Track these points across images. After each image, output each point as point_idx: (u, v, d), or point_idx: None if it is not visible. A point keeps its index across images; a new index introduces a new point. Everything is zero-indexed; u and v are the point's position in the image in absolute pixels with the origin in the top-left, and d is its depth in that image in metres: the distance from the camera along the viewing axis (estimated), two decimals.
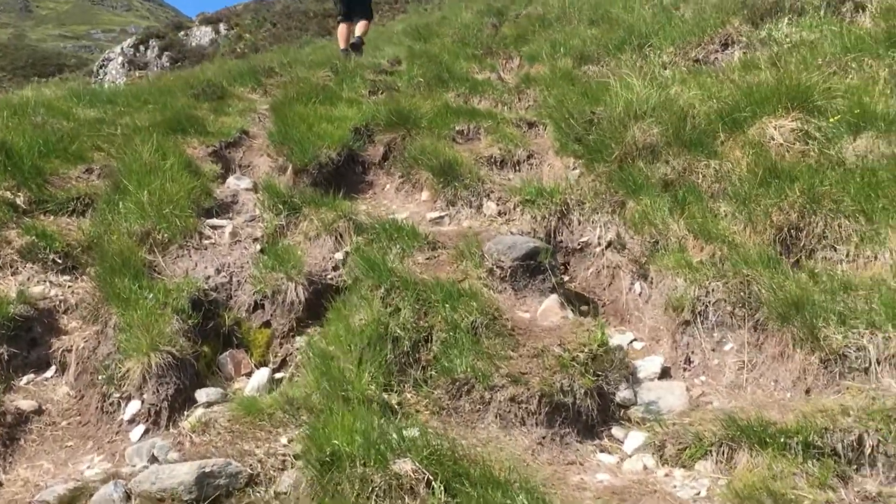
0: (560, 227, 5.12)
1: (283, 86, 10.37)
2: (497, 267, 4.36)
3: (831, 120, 4.63)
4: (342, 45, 12.23)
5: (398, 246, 4.83)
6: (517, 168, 6.23)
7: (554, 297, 4.19)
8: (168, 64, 35.87)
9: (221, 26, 38.29)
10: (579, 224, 5.10)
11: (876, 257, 3.78)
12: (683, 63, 7.01)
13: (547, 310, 4.10)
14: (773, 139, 4.76)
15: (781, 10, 6.67)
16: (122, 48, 38.49)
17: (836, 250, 3.98)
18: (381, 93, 9.03)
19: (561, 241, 5.10)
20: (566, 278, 4.92)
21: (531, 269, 4.37)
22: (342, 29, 12.26)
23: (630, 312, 4.45)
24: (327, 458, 2.96)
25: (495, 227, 5.21)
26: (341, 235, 5.20)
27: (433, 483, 2.79)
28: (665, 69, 7.02)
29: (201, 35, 38.14)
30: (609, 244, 4.85)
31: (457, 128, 6.82)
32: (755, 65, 6.29)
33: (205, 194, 5.85)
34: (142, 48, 37.87)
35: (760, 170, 4.41)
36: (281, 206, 5.55)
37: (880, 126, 4.36)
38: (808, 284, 3.63)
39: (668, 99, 5.38)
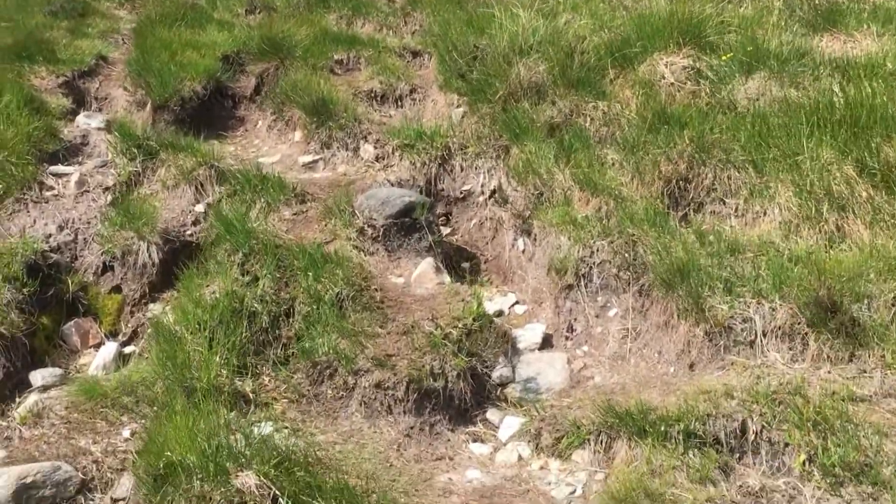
0: (441, 174, 4.75)
1: (152, 1, 9.52)
2: (369, 226, 3.97)
3: (723, 58, 4.35)
4: None
5: (263, 199, 4.38)
6: (399, 104, 5.78)
7: (429, 260, 3.85)
8: None
9: None
10: (462, 171, 4.74)
11: (765, 213, 3.56)
12: None
13: (422, 275, 3.76)
14: (664, 78, 4.46)
15: None
16: None
17: (724, 203, 3.75)
18: (259, 11, 8.33)
19: (442, 190, 4.74)
20: (447, 231, 4.59)
21: (406, 226, 4.00)
22: None
23: (513, 271, 4.16)
24: (161, 472, 2.60)
25: (372, 175, 4.80)
26: (202, 185, 4.71)
27: (280, 500, 2.47)
28: None
29: None
30: (492, 193, 4.52)
31: (336, 57, 6.28)
32: None
33: (49, 136, 5.21)
34: None
35: (650, 114, 4.12)
36: (135, 150, 4.98)
37: (773, 66, 4.10)
38: (695, 247, 3.40)
39: (556, 31, 5.00)
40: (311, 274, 3.57)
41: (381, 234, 3.96)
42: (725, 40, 4.52)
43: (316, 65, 6.06)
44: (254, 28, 7.11)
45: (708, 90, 4.31)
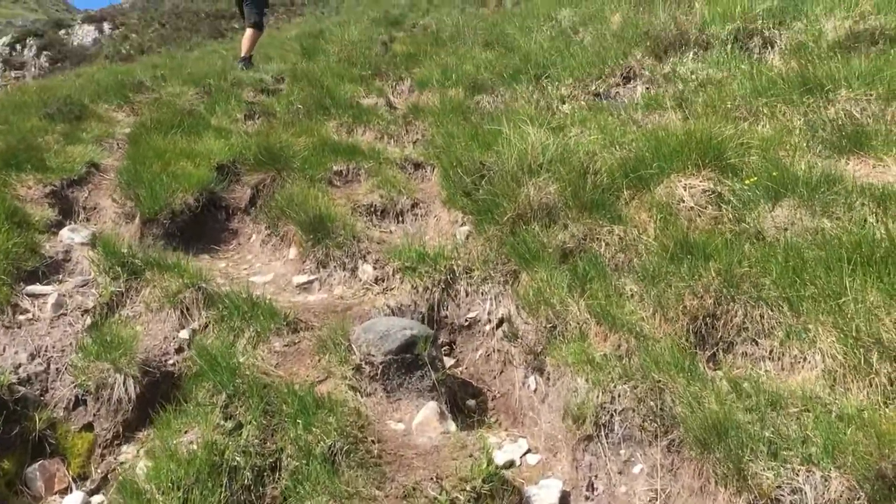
0: (445, 299, 4.44)
1: (151, 105, 9.42)
2: (366, 363, 3.62)
3: (746, 182, 4.09)
4: (244, 53, 11.06)
5: (252, 328, 4.04)
6: (400, 219, 5.52)
7: (432, 405, 3.48)
8: (47, 64, 33.78)
9: (106, 25, 36.30)
10: (467, 296, 4.43)
11: (805, 358, 3.22)
12: (583, 97, 6.45)
13: (424, 422, 3.39)
14: (683, 201, 4.19)
15: (686, 44, 6.17)
16: None
17: (757, 345, 3.41)
18: (258, 117, 8.20)
19: (446, 317, 4.42)
20: (451, 362, 4.23)
21: (407, 363, 3.65)
22: (249, 34, 11.04)
23: (524, 412, 3.79)
24: None
25: (370, 299, 4.48)
26: (188, 309, 4.38)
27: None
28: (564, 103, 6.45)
29: (84, 34, 36.04)
30: (500, 323, 4.18)
31: (335, 168, 6.06)
32: (659, 103, 5.78)
33: (29, 252, 4.92)
34: (18, 47, 35.51)
35: (670, 242, 3.82)
36: (119, 269, 4.69)
37: (802, 192, 3.83)
38: (730, 398, 3.04)
39: (566, 149, 4.76)
40: (300, 422, 3.20)
41: (379, 372, 3.60)
42: (747, 162, 4.28)
43: (314, 176, 5.83)
44: (251, 136, 6.93)
45: (731, 216, 4.03)
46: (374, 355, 3.62)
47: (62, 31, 36.59)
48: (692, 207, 4.17)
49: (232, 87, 9.56)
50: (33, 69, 34.18)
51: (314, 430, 3.16)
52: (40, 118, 8.30)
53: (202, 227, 5.73)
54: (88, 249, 5.17)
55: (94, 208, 6.15)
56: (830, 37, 5.49)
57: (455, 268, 4.48)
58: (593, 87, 6.47)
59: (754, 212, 3.96)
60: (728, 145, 4.32)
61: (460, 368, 4.22)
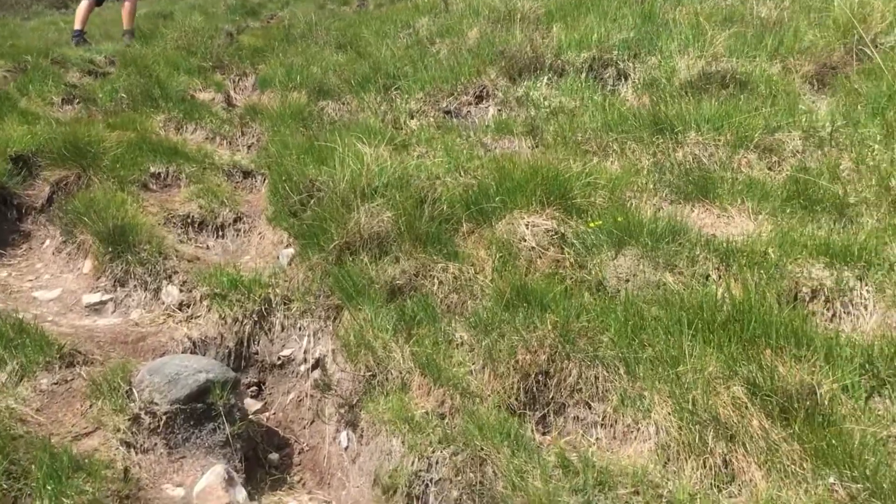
0: (257, 332, 3.93)
1: None
2: (147, 413, 3.06)
3: (591, 225, 3.83)
4: (77, 26, 10.21)
5: (16, 360, 3.38)
6: (220, 233, 4.95)
7: (219, 468, 2.96)
8: None
9: None
10: (283, 330, 3.94)
11: (639, 429, 2.95)
12: (433, 113, 6.08)
13: (207, 491, 2.87)
14: (525, 240, 3.88)
15: (541, 68, 5.93)
16: None
17: (590, 408, 3.12)
18: (77, 103, 7.36)
19: (256, 353, 3.91)
20: (258, 406, 3.73)
21: (198, 414, 3.12)
22: (82, 7, 10.19)
23: (332, 472, 3.34)
24: None
25: (170, 327, 3.90)
26: None
27: None
28: (412, 118, 6.07)
29: None
30: (316, 364, 3.73)
31: (152, 170, 5.41)
32: (510, 128, 5.50)
33: None
34: None
35: (507, 287, 3.49)
36: None
37: (646, 242, 3.59)
38: (557, 474, 2.72)
39: (405, 174, 4.36)
40: (49, 488, 2.62)
41: (162, 424, 3.05)
42: (594, 203, 4.02)
43: (126, 178, 5.16)
44: (62, 124, 6.13)
45: (573, 261, 3.75)
46: (157, 403, 3.07)
47: None
48: (533, 248, 3.86)
49: (54, 66, 8.61)
50: None
51: (65, 500, 2.59)
52: None
53: None
54: None
55: None
56: (683, 75, 5.37)
57: (272, 297, 3.98)
58: (444, 104, 6.12)
59: (597, 258, 3.69)
60: (575, 184, 4.05)
61: (268, 413, 3.72)
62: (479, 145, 5.39)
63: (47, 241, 4.90)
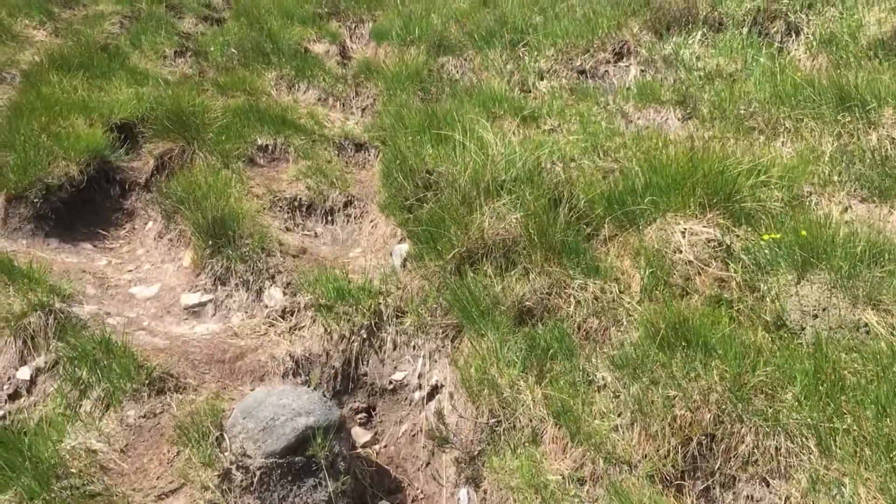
0: (366, 350, 3.47)
1: (72, 27, 8.17)
2: (239, 468, 2.66)
3: (765, 237, 3.13)
4: None
5: (104, 385, 3.06)
6: (329, 218, 4.51)
7: None
8: None
9: None
10: (395, 349, 3.47)
11: None
12: (566, 73, 5.39)
13: None
14: (681, 251, 3.23)
15: (693, 22, 5.11)
16: None
17: (769, 486, 2.51)
18: (189, 56, 7.04)
19: (365, 374, 3.46)
20: (367, 437, 3.30)
21: (297, 469, 2.70)
22: None
23: None
24: None
25: (272, 340, 3.49)
26: (34, 338, 3.38)
27: None
28: (542, 79, 5.40)
29: None
30: (433, 392, 3.25)
31: (259, 142, 5.00)
32: (656, 94, 4.76)
33: None
34: None
35: (660, 318, 2.88)
36: None
37: (839, 266, 2.89)
38: None
39: (535, 164, 3.75)
40: None
41: (255, 480, 2.65)
42: (767, 208, 3.30)
43: (231, 152, 4.76)
44: (169, 86, 5.79)
45: (741, 280, 3.08)
46: (251, 456, 2.66)
47: None
48: (691, 261, 3.20)
49: (169, 13, 8.33)
50: None
51: None
52: None
53: (89, 204, 4.67)
54: None
55: None
56: (872, 32, 4.47)
57: (383, 309, 3.50)
58: (578, 63, 5.42)
59: (773, 280, 3.01)
60: (743, 183, 3.33)
61: (377, 446, 3.29)
62: (620, 115, 4.70)
63: (150, 223, 4.59)
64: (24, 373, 3.31)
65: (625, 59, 5.35)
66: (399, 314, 3.49)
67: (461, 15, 6.66)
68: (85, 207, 4.63)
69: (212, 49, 6.90)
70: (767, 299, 2.97)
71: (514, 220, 3.40)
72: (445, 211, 3.52)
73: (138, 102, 5.39)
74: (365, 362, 3.45)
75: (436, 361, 3.33)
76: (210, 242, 3.90)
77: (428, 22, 6.54)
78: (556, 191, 3.54)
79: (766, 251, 3.11)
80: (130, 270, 4.20)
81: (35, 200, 4.37)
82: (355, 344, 3.44)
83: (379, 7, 7.87)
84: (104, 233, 4.59)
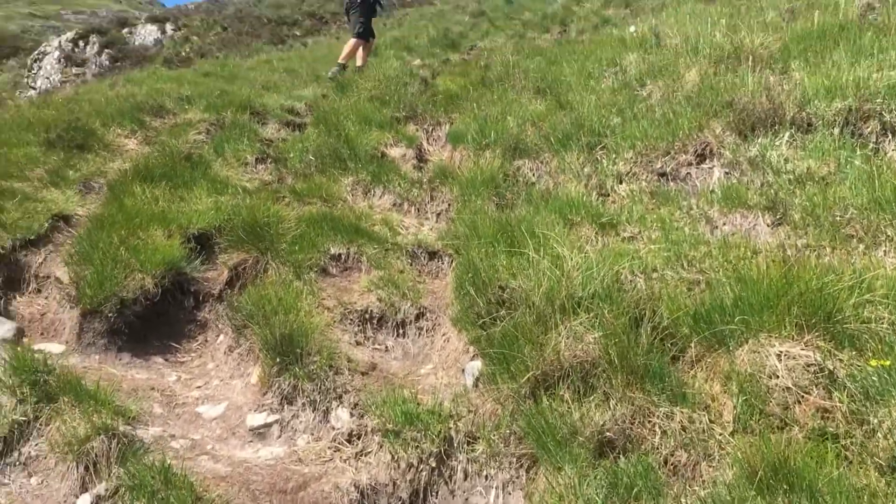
0: (435, 480, 3.26)
1: (169, 131, 8.50)
2: None
3: (873, 363, 2.84)
4: (341, 58, 10.99)
5: None
6: (400, 331, 4.38)
7: None
8: (108, 62, 33.77)
9: (168, 26, 36.18)
10: (466, 479, 3.25)
11: None
12: (645, 176, 5.22)
13: None
14: (777, 377, 2.95)
15: (780, 122, 4.90)
16: (59, 42, 36.23)
17: None
18: (269, 162, 7.16)
19: None
20: None
21: None
22: (351, 44, 10.98)
23: None
24: None
25: (337, 467, 3.32)
26: (96, 464, 3.30)
27: None
28: (621, 182, 5.23)
29: (146, 34, 35.96)
30: None
31: (332, 251, 4.95)
32: (742, 198, 4.53)
33: None
34: (81, 43, 35.60)
35: (758, 456, 2.60)
36: (28, 390, 3.63)
37: None
38: None
39: (615, 279, 3.55)
40: None
41: None
42: (873, 329, 3.01)
43: (303, 263, 4.72)
44: (247, 194, 5.86)
45: (847, 411, 2.78)
46: None
47: (125, 30, 36.54)
48: (789, 388, 2.92)
49: (253, 119, 8.59)
50: (94, 67, 34.17)
51: None
52: (40, 144, 7.44)
53: (163, 317, 4.67)
54: (11, 347, 4.16)
55: (47, 278, 5.13)
56: None
57: (454, 434, 3.31)
58: (658, 165, 5.24)
59: (884, 411, 2.71)
60: (845, 301, 3.06)
61: None
62: (704, 221, 4.48)
63: (221, 336, 4.54)
64: (85, 501, 3.22)
65: (707, 161, 5.16)
66: (470, 440, 3.29)
67: (537, 117, 6.61)
68: (158, 320, 4.62)
69: (291, 156, 7.00)
70: (879, 434, 2.66)
71: (592, 341, 3.19)
72: (519, 330, 3.34)
73: (216, 212, 5.44)
74: (434, 493, 3.23)
75: (509, 494, 3.10)
76: (278, 360, 3.80)
77: (503, 125, 6.50)
78: (637, 308, 3.32)
79: (875, 378, 2.81)
80: (199, 387, 4.13)
81: (109, 315, 4.39)
82: (423, 473, 3.23)
83: (456, 109, 7.91)
84: (176, 346, 4.57)
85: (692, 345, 3.21)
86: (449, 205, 5.77)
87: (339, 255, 4.90)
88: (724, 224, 4.47)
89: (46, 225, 5.50)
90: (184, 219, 5.31)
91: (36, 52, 37.19)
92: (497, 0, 30.87)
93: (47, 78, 35.22)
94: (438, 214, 5.77)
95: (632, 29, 8.36)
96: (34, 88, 34.34)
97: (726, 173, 4.94)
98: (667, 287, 3.62)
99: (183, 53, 31.69)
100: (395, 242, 5.02)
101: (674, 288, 3.62)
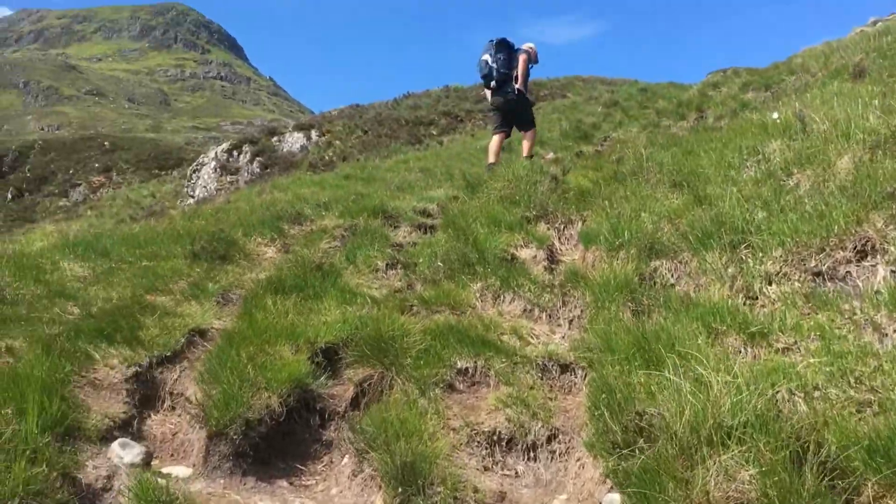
0: None
1: (305, 238, 8.72)
2: None
3: None
4: (491, 160, 11.69)
5: None
6: (531, 455, 4.07)
7: None
8: (258, 170, 35.88)
9: (313, 132, 38.20)
10: None
11: None
12: (798, 276, 4.75)
13: None
14: None
15: None
16: (215, 153, 38.93)
17: None
18: (399, 267, 7.12)
19: None
20: None
21: None
22: (495, 141, 11.85)
23: None
24: None
25: None
26: None
27: None
28: (770, 284, 4.79)
29: (293, 141, 38.07)
30: None
31: (459, 364, 4.74)
32: None
33: (61, 479, 3.88)
34: (235, 153, 38.12)
35: None
36: None
37: None
38: None
39: (769, 403, 3.14)
40: None
41: None
42: None
43: (428, 378, 4.52)
44: (375, 304, 5.78)
45: None
46: None
47: (275, 138, 38.85)
48: None
49: (386, 224, 8.68)
50: (246, 174, 36.39)
51: None
52: (185, 256, 7.77)
53: (288, 438, 4.56)
54: (139, 472, 4.14)
55: (181, 395, 5.17)
56: None
57: None
58: (812, 263, 4.77)
59: None
60: None
61: None
62: (870, 328, 3.98)
63: (346, 458, 4.37)
64: None
65: (869, 258, 4.64)
66: None
67: (673, 213, 6.26)
68: (283, 441, 4.52)
69: (420, 261, 6.93)
70: None
71: (746, 480, 2.79)
72: (660, 464, 2.98)
73: (343, 324, 5.38)
74: None
75: None
76: (399, 489, 3.58)
77: (638, 223, 6.19)
78: (798, 440, 2.90)
79: None
80: None
81: (235, 437, 4.32)
82: None
83: (588, 206, 7.66)
84: (301, 468, 4.43)
85: (868, 484, 2.75)
86: (582, 311, 5.47)
87: (466, 369, 4.68)
88: (895, 332, 3.96)
89: (183, 340, 5.59)
90: (311, 332, 5.27)
91: (194, 164, 40.07)
92: (631, 89, 30.77)
93: (204, 187, 37.72)
94: (571, 321, 5.47)
95: (774, 115, 7.90)
96: (192, 197, 36.85)
97: (892, 272, 4.42)
98: (831, 406, 3.18)
99: (326, 158, 33.27)
100: (524, 355, 4.76)
101: (840, 410, 3.17)
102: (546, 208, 7.86)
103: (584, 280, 5.66)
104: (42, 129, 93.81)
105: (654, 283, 5.43)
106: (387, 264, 7.18)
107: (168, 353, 5.41)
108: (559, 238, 7.52)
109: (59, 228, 16.77)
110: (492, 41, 11.44)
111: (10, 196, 64.47)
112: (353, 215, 9.13)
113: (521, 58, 11.40)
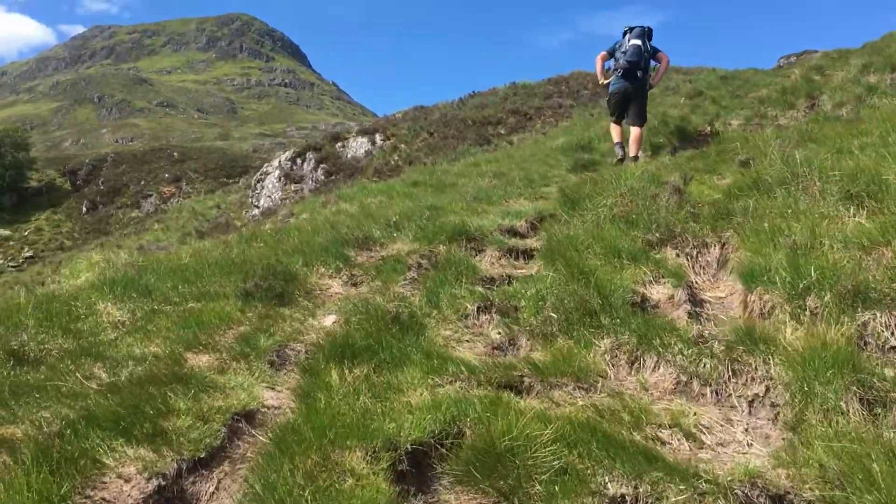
0: None
1: (375, 269, 7.34)
2: None
3: None
4: (617, 139, 11.97)
5: None
6: None
7: None
8: (323, 177, 35.04)
9: (377, 137, 37.14)
10: None
11: None
12: None
13: None
14: None
15: None
16: (279, 161, 38.28)
17: None
18: (494, 311, 5.66)
19: None
20: None
21: None
22: (614, 127, 12.12)
23: None
24: None
25: None
26: None
27: None
28: None
29: (357, 146, 37.11)
30: None
31: (611, 489, 3.21)
32: None
33: None
34: (298, 161, 37.41)
35: None
36: None
37: None
38: None
39: None
40: None
41: None
42: None
43: None
44: (473, 373, 4.33)
45: None
46: None
47: (339, 144, 37.93)
48: None
49: (469, 248, 7.22)
50: (310, 182, 35.52)
51: None
52: (237, 295, 6.49)
53: None
54: None
55: None
56: None
57: None
58: None
59: None
60: None
61: None
62: None
63: None
64: None
65: None
66: None
67: (867, 239, 4.63)
68: None
69: (521, 304, 5.45)
70: None
71: None
72: None
73: (434, 411, 3.92)
74: None
75: None
76: None
77: (823, 255, 4.57)
78: None
79: None
80: None
81: None
82: None
83: (726, 226, 6.05)
84: None
85: None
86: (766, 387, 3.89)
87: (623, 497, 3.16)
88: None
89: (223, 432, 4.22)
90: (391, 426, 3.82)
91: (259, 173, 39.40)
92: (709, 77, 28.60)
93: (269, 196, 37.03)
94: (751, 402, 3.89)
95: None
96: (257, 207, 36.11)
97: None
98: None
99: (391, 162, 32.05)
100: (707, 473, 3.19)
101: None
102: (672, 229, 6.27)
103: (762, 342, 4.07)
104: (116, 140, 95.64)
105: (867, 346, 3.83)
106: (478, 308, 5.70)
107: (202, 455, 4.03)
108: (693, 266, 5.93)
109: (106, 257, 15.75)
110: (643, 28, 11.46)
111: (84, 209, 65.46)
112: (429, 239, 7.70)
113: (666, 57, 11.70)
